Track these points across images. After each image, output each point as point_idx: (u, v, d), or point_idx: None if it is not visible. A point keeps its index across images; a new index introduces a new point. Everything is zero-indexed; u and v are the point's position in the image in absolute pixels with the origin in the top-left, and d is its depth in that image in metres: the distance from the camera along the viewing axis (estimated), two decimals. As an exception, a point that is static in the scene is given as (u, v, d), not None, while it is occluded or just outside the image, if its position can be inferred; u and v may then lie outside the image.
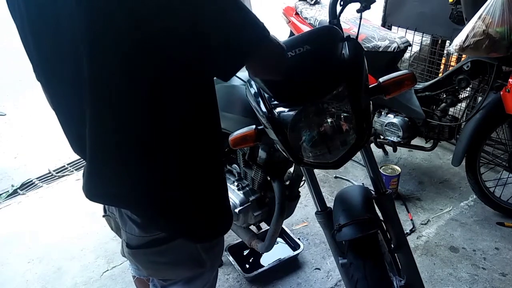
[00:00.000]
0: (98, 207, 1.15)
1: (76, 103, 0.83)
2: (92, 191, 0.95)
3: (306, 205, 2.36)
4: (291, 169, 1.63)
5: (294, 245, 2.03)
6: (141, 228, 0.95)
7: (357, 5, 1.22)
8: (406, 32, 2.66)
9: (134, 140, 0.83)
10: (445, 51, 2.69)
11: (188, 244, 0.97)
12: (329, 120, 1.04)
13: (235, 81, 1.39)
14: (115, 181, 0.90)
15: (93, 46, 0.73)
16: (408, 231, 2.14)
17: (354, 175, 2.62)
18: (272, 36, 0.81)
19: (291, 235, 2.07)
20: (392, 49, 2.17)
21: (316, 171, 1.39)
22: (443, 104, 2.22)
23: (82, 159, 2.79)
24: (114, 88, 0.77)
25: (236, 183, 1.67)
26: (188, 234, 0.96)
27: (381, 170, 2.29)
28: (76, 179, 2.71)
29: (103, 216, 1.14)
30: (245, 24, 0.76)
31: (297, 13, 2.63)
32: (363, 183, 2.47)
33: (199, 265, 1.02)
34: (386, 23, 2.80)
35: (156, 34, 0.71)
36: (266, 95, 1.08)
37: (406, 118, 2.28)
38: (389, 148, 2.68)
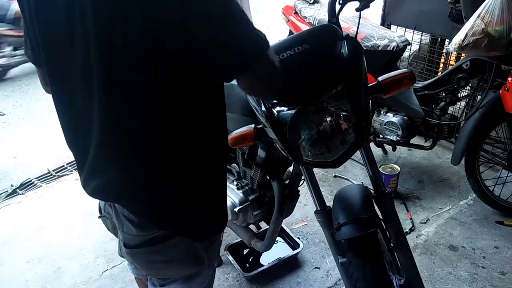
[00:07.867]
0: (97, 207, 1.15)
1: (81, 99, 0.83)
2: (95, 188, 0.95)
3: (305, 204, 2.36)
4: (291, 168, 1.63)
5: (293, 244, 2.03)
6: (138, 227, 0.94)
7: (356, 4, 1.22)
8: (405, 31, 2.66)
9: (139, 134, 0.83)
10: (444, 50, 2.69)
11: (186, 241, 0.97)
12: (328, 119, 1.04)
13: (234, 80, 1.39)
14: (119, 178, 0.90)
15: (105, 40, 0.75)
16: (407, 230, 2.14)
17: (354, 174, 2.62)
18: (270, 52, 0.79)
19: (291, 234, 2.07)
20: (391, 48, 2.16)
21: (315, 170, 1.39)
22: (442, 103, 2.22)
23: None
24: (127, 81, 0.78)
25: (235, 182, 1.67)
26: (185, 233, 0.96)
27: (380, 169, 2.29)
28: (76, 179, 2.70)
29: (99, 217, 1.13)
30: (247, 33, 0.76)
31: (296, 12, 2.62)
32: (362, 182, 2.47)
33: (197, 262, 1.03)
34: (385, 22, 2.79)
35: (161, 30, 0.73)
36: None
37: (405, 117, 2.28)
38: (388, 147, 2.68)
